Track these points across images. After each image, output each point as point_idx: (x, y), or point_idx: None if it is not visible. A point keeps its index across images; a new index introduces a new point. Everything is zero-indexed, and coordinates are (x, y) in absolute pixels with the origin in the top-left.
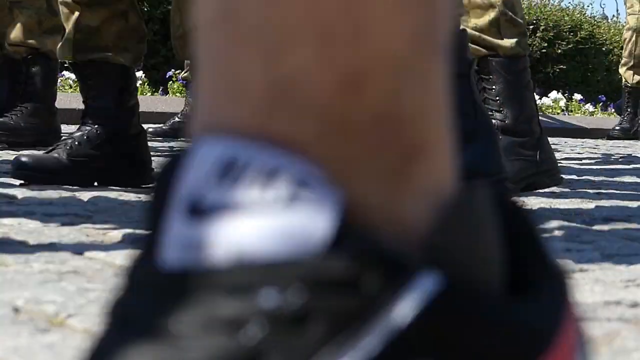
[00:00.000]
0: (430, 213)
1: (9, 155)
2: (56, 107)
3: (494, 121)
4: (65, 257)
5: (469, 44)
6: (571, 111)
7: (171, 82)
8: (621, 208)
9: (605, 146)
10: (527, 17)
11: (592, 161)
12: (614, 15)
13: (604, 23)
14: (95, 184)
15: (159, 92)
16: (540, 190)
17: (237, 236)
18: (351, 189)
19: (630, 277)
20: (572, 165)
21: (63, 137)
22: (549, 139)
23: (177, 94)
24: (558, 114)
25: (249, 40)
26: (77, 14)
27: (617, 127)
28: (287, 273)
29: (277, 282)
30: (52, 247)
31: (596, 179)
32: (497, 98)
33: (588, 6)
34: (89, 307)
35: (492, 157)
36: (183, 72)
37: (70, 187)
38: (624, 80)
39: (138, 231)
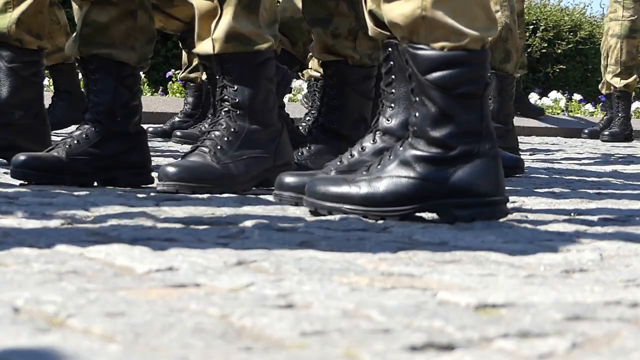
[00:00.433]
0: None
1: None
2: None
3: (322, 121)
4: (65, 257)
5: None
6: (571, 111)
7: (171, 82)
8: (621, 208)
9: (605, 146)
10: (527, 17)
11: (592, 161)
12: None
13: (604, 23)
14: (95, 183)
15: (159, 92)
16: (540, 190)
17: None
18: None
19: (630, 277)
20: (572, 166)
21: (62, 137)
22: (550, 138)
23: (177, 94)
24: (558, 114)
25: None
26: (85, 8)
27: (607, 132)
28: None
29: None
30: (52, 247)
31: (596, 179)
32: (334, 101)
33: (587, 6)
34: (89, 307)
35: (489, 179)
36: (181, 73)
37: (70, 187)
38: (611, 87)
39: (138, 231)
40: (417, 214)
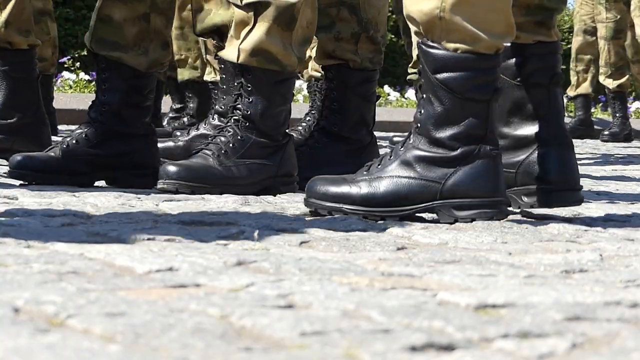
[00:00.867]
0: None
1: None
2: None
3: (323, 124)
4: (65, 257)
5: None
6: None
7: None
8: (620, 208)
9: (605, 146)
10: None
11: (592, 161)
12: None
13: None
14: (96, 183)
15: None
16: None
17: None
18: None
19: (630, 277)
20: None
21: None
22: None
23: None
24: None
25: None
26: (100, 2)
27: (606, 132)
28: None
29: None
30: (52, 247)
31: (596, 179)
32: (335, 104)
33: None
34: (89, 307)
35: (489, 179)
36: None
37: (70, 187)
38: (606, 88)
39: (138, 231)
40: (417, 214)
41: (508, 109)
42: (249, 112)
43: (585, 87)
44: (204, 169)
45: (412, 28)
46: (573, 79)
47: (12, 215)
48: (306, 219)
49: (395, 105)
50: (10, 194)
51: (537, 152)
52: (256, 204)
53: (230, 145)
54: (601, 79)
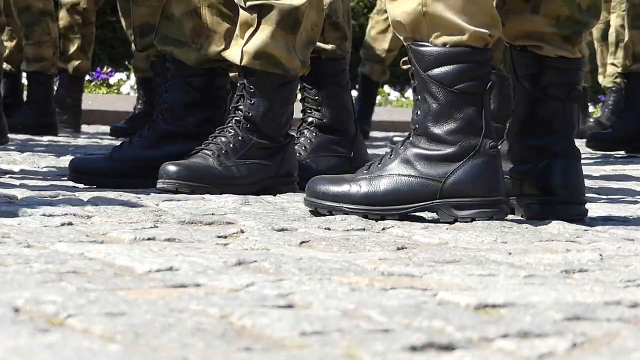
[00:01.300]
0: None
1: (9, 156)
2: None
3: (311, 119)
4: (65, 257)
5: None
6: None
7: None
8: (620, 208)
9: None
10: None
11: (592, 161)
12: None
13: None
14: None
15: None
16: None
17: None
18: None
19: (630, 277)
20: None
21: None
22: None
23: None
24: None
25: None
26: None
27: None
28: None
29: None
30: (52, 247)
31: (596, 179)
32: (317, 97)
33: None
34: (89, 306)
35: (489, 179)
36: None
37: (70, 187)
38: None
39: (138, 231)
40: (417, 214)
41: (522, 117)
42: (250, 114)
43: None
44: (203, 168)
45: (400, 36)
46: None
47: (12, 215)
48: (306, 219)
49: (395, 105)
50: (10, 193)
51: (544, 162)
52: (256, 204)
53: (231, 145)
54: (600, 79)
